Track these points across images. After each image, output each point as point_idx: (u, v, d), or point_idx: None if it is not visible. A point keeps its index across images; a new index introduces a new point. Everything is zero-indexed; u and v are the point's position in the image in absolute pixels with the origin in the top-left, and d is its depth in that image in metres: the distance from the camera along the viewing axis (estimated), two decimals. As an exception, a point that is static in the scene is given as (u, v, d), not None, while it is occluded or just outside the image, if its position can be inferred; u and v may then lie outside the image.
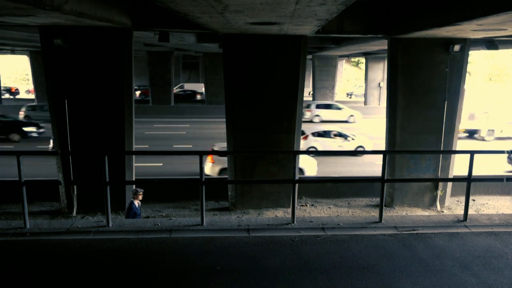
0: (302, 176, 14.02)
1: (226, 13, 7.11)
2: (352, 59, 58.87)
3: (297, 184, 6.64)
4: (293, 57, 11.56)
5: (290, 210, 10.08)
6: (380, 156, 6.61)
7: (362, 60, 51.42)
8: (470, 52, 12.93)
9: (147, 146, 20.92)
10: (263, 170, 11.92)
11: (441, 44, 11.80)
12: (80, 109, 11.14)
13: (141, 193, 8.72)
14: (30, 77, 41.52)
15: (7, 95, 45.00)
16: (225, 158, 13.28)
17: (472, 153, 6.43)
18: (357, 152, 8.34)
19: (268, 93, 11.76)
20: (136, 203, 8.67)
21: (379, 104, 35.43)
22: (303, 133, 19.69)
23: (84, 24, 9.73)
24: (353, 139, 20.04)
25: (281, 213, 11.91)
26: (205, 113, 32.28)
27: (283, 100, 11.82)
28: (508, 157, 16.53)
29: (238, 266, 5.02)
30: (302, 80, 11.85)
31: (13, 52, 35.80)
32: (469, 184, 6.57)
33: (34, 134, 22.01)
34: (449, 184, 13.00)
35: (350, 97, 50.27)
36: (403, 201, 12.81)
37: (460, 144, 13.84)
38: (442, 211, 12.62)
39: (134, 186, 12.12)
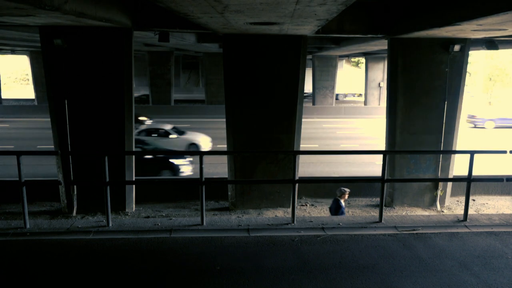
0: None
1: (226, 13, 7.11)
2: (352, 59, 58.80)
3: (297, 184, 6.64)
4: (293, 57, 11.56)
5: (290, 210, 10.09)
6: (380, 156, 6.61)
7: (362, 60, 51.37)
8: (470, 52, 12.93)
9: (147, 146, 20.87)
10: (263, 170, 11.93)
11: (441, 44, 11.80)
12: (80, 109, 11.14)
13: (347, 192, 8.89)
14: (30, 77, 41.52)
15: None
16: None
17: (472, 153, 6.43)
18: (358, 152, 8.35)
19: (268, 93, 11.76)
20: (342, 201, 8.80)
21: (379, 104, 35.43)
22: None
23: (84, 24, 9.73)
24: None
25: (281, 213, 11.90)
26: (205, 113, 32.31)
27: (283, 100, 11.82)
28: None
29: (238, 266, 5.02)
30: (302, 80, 11.85)
31: (13, 52, 35.80)
32: (469, 184, 6.57)
33: None
34: (449, 184, 13.00)
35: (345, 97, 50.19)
36: (403, 201, 12.81)
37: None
38: (442, 211, 12.62)
39: (134, 186, 12.19)
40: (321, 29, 10.70)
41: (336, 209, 8.89)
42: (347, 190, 8.97)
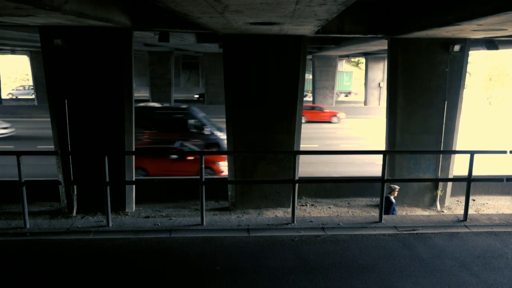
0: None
1: (226, 13, 7.11)
2: (352, 59, 58.85)
3: (297, 184, 6.64)
4: (293, 57, 11.56)
5: (290, 210, 10.09)
6: (380, 156, 6.61)
7: (362, 60, 51.45)
8: (470, 52, 12.94)
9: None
10: (263, 170, 11.93)
11: (441, 44, 11.80)
12: (80, 109, 11.14)
13: (397, 189, 8.91)
14: (30, 77, 41.52)
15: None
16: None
17: (472, 153, 6.43)
18: (358, 152, 8.36)
19: (268, 93, 11.76)
20: (392, 198, 8.83)
21: (379, 104, 35.45)
22: None
23: (84, 24, 9.73)
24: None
25: (281, 213, 11.90)
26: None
27: (283, 100, 11.82)
28: None
29: (238, 266, 5.02)
30: (302, 80, 11.85)
31: (13, 52, 35.81)
32: (469, 184, 6.57)
33: None
34: (449, 184, 13.00)
35: (347, 96, 50.30)
36: (403, 201, 12.81)
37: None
38: (442, 211, 12.62)
39: (134, 186, 12.19)
40: (321, 29, 10.71)
41: (387, 207, 8.82)
42: (397, 187, 9.01)
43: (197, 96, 43.79)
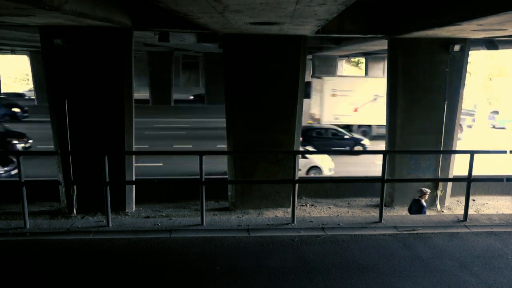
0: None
1: (226, 13, 7.11)
2: (352, 59, 58.78)
3: (297, 184, 6.63)
4: (293, 57, 11.56)
5: (290, 210, 10.08)
6: (380, 156, 6.61)
7: (362, 60, 51.35)
8: (470, 52, 12.94)
9: (147, 146, 20.92)
10: (263, 170, 11.92)
11: (441, 44, 11.80)
12: (80, 109, 11.14)
13: (428, 193, 9.02)
14: (30, 77, 41.53)
15: None
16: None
17: (472, 153, 6.43)
18: (359, 152, 8.33)
19: (268, 93, 11.76)
20: (423, 201, 8.89)
21: (379, 104, 35.41)
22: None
23: (84, 24, 9.73)
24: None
25: (281, 213, 11.90)
26: (205, 113, 32.31)
27: (283, 100, 11.82)
28: None
29: (238, 266, 5.02)
30: (302, 80, 11.85)
31: (13, 52, 35.82)
32: (469, 184, 6.56)
33: None
34: (449, 184, 12.99)
35: None
36: (403, 201, 12.79)
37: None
38: (442, 211, 12.62)
39: (134, 186, 12.18)
40: (321, 29, 10.70)
41: (418, 210, 8.78)
42: (428, 190, 9.01)
43: (192, 97, 43.58)
